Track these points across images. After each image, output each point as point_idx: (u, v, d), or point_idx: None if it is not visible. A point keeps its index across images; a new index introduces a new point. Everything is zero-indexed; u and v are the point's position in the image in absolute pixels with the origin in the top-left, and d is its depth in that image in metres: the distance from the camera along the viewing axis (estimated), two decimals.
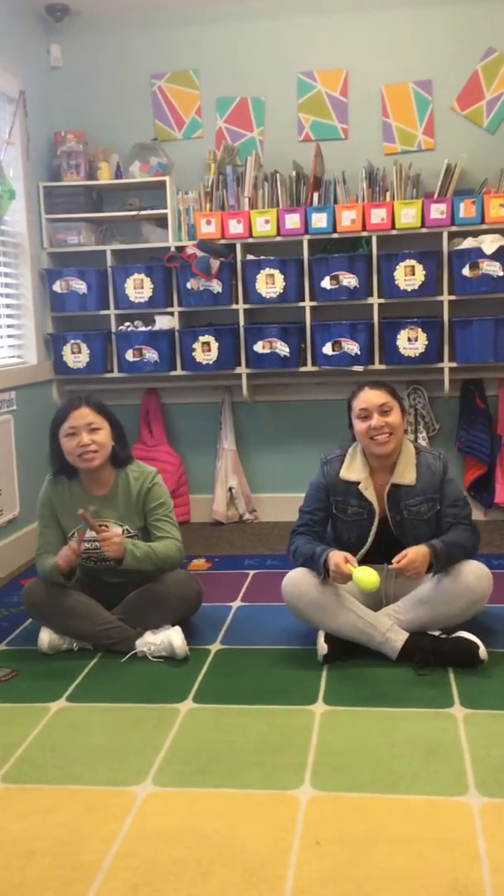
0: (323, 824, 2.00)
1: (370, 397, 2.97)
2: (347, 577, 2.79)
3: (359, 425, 2.97)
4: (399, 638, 2.84)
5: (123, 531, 3.10)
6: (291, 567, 3.01)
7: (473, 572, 2.87)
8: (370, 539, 2.99)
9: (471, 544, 2.93)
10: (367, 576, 2.75)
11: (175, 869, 1.86)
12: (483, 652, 2.76)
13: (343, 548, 3.02)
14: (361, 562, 2.97)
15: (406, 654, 2.83)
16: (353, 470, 3.02)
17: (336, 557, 2.81)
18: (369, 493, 2.99)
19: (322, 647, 2.88)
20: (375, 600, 2.99)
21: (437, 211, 4.24)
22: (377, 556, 2.99)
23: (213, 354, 4.47)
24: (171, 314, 4.57)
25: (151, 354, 4.53)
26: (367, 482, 3.00)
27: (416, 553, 2.79)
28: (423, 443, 4.52)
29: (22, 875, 1.86)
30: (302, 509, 3.10)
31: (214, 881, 1.81)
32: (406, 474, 2.98)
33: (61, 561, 2.97)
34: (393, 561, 2.80)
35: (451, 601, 2.85)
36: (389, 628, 2.86)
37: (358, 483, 2.99)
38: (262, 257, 4.44)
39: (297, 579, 2.94)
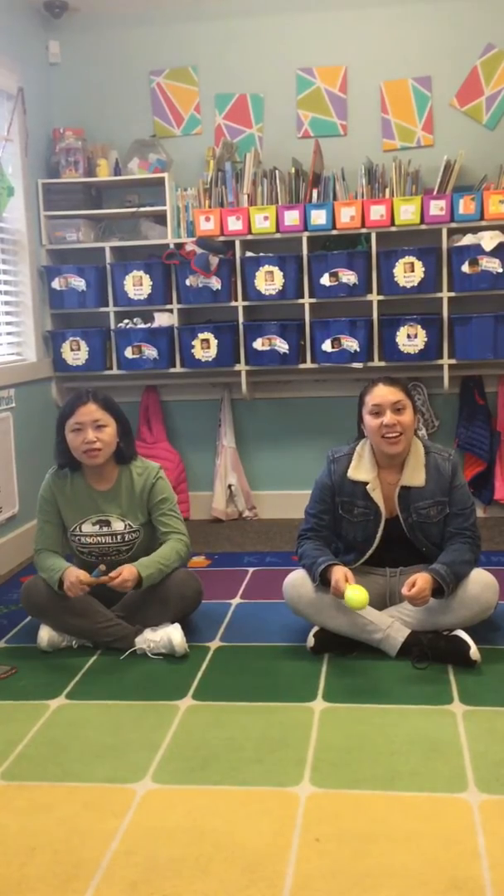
0: (322, 821, 2.00)
1: (384, 394, 2.91)
2: (342, 594, 2.77)
3: (370, 422, 2.92)
4: (400, 635, 2.84)
5: (126, 526, 3.10)
6: (292, 565, 3.01)
7: (480, 583, 2.87)
8: (377, 540, 2.97)
9: (474, 557, 2.93)
10: (355, 595, 2.72)
11: (174, 866, 1.86)
12: (475, 653, 2.76)
13: (349, 547, 3.02)
14: (370, 561, 2.99)
15: (405, 650, 2.83)
16: (362, 469, 2.97)
17: (337, 573, 2.80)
18: (376, 495, 2.94)
19: (309, 640, 2.91)
20: (380, 600, 2.99)
21: (437, 207, 4.24)
22: (387, 556, 3.00)
23: (213, 351, 4.47)
24: (171, 311, 4.56)
25: (151, 351, 4.53)
26: (374, 483, 2.95)
27: (425, 581, 2.76)
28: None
29: (21, 872, 1.86)
30: (308, 511, 3.06)
31: (214, 878, 1.81)
32: (415, 476, 2.94)
33: (69, 589, 2.93)
34: (404, 589, 2.77)
35: (457, 610, 2.85)
36: (390, 625, 2.86)
37: (366, 483, 2.96)
38: (262, 254, 4.44)
39: (297, 581, 2.96)
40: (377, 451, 2.97)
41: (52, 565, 3.02)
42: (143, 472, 3.14)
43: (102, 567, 2.97)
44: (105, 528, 3.11)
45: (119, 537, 3.11)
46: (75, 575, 2.93)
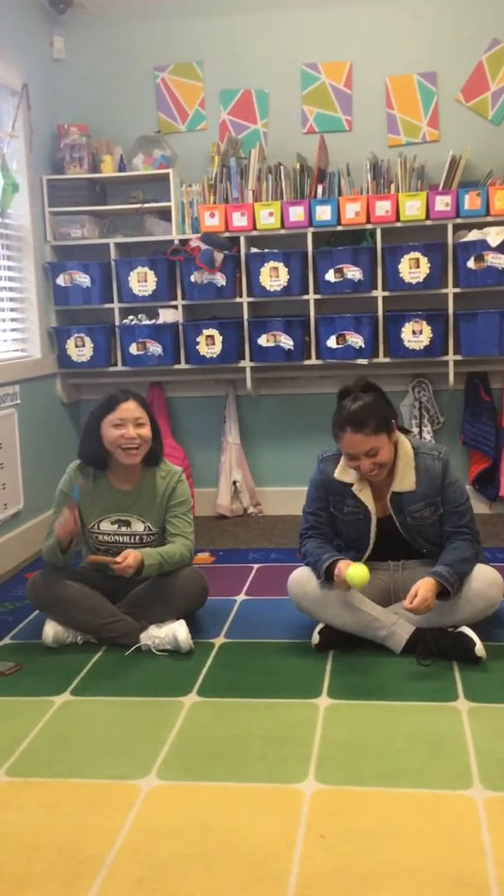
0: (327, 818, 2.00)
1: (354, 444, 2.82)
2: (346, 583, 2.77)
3: (348, 462, 2.89)
4: (405, 632, 2.84)
5: (145, 528, 3.11)
6: (296, 561, 3.01)
7: (485, 579, 2.86)
8: (371, 538, 2.97)
9: (474, 553, 2.91)
10: (357, 572, 2.73)
11: (179, 863, 1.86)
12: (480, 649, 2.75)
13: (347, 545, 3.01)
14: (369, 558, 2.98)
15: (410, 647, 2.83)
16: (347, 472, 2.96)
17: (340, 567, 2.80)
18: (364, 495, 2.93)
19: (314, 636, 2.91)
20: (384, 596, 2.99)
21: (442, 203, 4.22)
22: (387, 553, 2.99)
23: (217, 348, 4.46)
24: (175, 307, 4.56)
25: (155, 348, 4.52)
26: (360, 484, 2.93)
27: (426, 590, 2.75)
28: (427, 436, 4.50)
29: (26, 868, 1.86)
30: (305, 511, 3.06)
31: (218, 875, 1.81)
32: (405, 481, 2.91)
33: (60, 531, 2.95)
34: (405, 603, 2.76)
35: (462, 607, 2.85)
36: (395, 622, 2.86)
37: (351, 485, 2.95)
38: (266, 250, 4.43)
39: (302, 578, 2.96)
40: None
41: (50, 541, 3.06)
42: (166, 476, 3.16)
43: (81, 482, 3.06)
44: (124, 528, 3.12)
45: (138, 538, 3.12)
46: (60, 518, 2.96)
